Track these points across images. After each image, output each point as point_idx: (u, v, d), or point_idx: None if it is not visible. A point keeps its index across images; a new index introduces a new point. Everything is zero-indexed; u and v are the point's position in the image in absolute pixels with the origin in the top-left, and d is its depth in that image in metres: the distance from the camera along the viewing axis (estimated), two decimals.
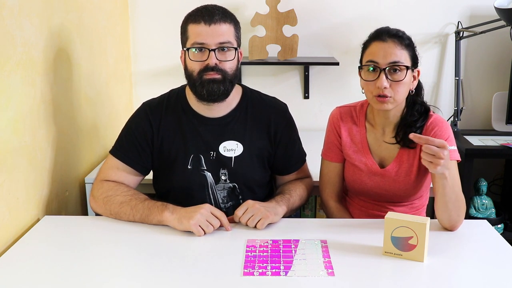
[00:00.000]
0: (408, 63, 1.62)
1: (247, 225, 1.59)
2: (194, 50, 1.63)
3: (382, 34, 1.63)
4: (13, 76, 1.58)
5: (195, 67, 1.64)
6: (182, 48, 1.68)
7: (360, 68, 1.67)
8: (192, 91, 1.69)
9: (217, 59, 1.62)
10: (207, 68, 1.62)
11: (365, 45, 1.68)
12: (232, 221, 1.62)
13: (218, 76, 1.63)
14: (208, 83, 1.63)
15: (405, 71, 1.60)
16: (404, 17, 2.83)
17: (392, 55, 1.60)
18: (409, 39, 1.65)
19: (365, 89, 1.66)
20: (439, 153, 1.42)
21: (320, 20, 2.87)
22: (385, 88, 1.59)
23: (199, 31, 1.61)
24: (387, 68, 1.60)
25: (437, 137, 1.65)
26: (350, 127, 1.80)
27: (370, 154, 1.76)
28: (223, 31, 1.62)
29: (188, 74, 1.67)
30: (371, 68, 1.62)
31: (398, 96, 1.62)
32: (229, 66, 1.65)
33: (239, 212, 1.61)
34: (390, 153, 1.74)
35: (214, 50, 1.61)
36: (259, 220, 1.58)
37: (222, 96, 1.66)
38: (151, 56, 2.91)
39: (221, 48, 1.62)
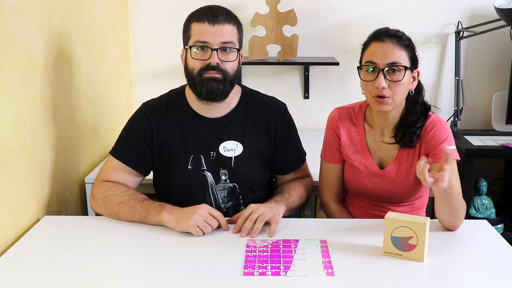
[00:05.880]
0: (407, 64, 1.62)
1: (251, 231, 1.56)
2: (195, 49, 1.63)
3: (381, 35, 1.63)
4: (13, 76, 1.58)
5: (195, 65, 1.64)
6: (184, 47, 1.69)
7: (359, 68, 1.67)
8: (192, 89, 1.69)
9: (219, 59, 1.62)
10: (208, 67, 1.62)
11: (365, 46, 1.68)
12: (230, 221, 1.62)
13: (218, 76, 1.63)
14: (208, 81, 1.63)
15: (404, 71, 1.60)
16: (404, 17, 2.83)
17: (391, 56, 1.60)
18: (409, 39, 1.65)
19: (364, 90, 1.66)
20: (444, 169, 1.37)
21: (320, 20, 2.86)
22: (383, 88, 1.60)
23: (202, 30, 1.61)
24: (386, 69, 1.60)
25: (435, 136, 1.66)
26: (349, 128, 1.79)
27: (370, 155, 1.76)
28: (226, 32, 1.62)
29: (188, 72, 1.67)
30: (370, 69, 1.62)
31: (397, 96, 1.62)
32: (230, 67, 1.65)
33: (245, 213, 1.58)
34: (390, 154, 1.74)
35: (216, 49, 1.61)
36: (268, 222, 1.57)
37: (221, 95, 1.66)
38: (151, 56, 2.91)
39: (224, 48, 1.63)
